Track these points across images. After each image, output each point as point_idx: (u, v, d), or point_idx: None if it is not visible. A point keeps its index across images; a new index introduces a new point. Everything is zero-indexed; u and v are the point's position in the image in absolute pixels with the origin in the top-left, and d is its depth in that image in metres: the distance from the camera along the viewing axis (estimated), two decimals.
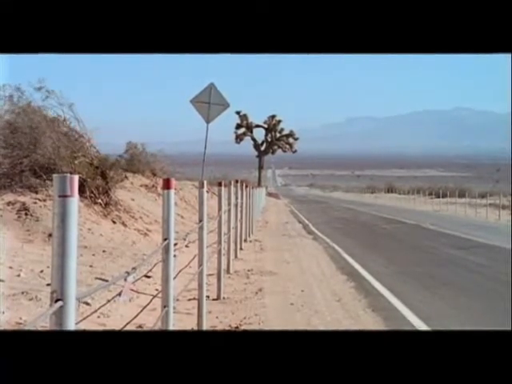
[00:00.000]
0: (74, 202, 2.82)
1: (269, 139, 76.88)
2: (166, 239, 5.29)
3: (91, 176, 15.41)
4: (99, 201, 15.53)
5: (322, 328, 8.26)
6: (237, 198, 16.11)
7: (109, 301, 6.17)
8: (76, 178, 2.84)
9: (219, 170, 72.28)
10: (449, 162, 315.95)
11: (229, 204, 13.45)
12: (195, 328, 7.73)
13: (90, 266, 10.84)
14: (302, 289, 11.26)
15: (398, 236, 23.89)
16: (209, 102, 17.30)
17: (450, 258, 16.59)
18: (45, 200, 13.59)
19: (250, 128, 76.64)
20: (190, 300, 9.48)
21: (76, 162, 15.29)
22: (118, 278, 4.35)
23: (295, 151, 79.64)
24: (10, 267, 9.77)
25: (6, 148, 14.78)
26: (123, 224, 15.74)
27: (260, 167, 78.12)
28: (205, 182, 8.19)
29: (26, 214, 12.92)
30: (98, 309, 6.66)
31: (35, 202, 13.48)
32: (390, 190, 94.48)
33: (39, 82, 16.02)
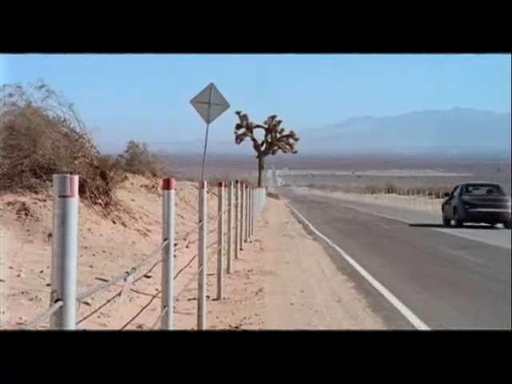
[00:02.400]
0: (74, 202, 2.83)
1: (269, 139, 76.85)
2: (166, 239, 5.30)
3: (91, 176, 15.41)
4: (99, 201, 15.53)
5: (322, 328, 8.26)
6: (237, 199, 16.11)
7: (109, 301, 6.17)
8: (76, 178, 2.84)
9: (219, 170, 72.32)
10: (449, 162, 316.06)
11: (229, 204, 13.44)
12: (195, 328, 7.73)
13: (90, 266, 10.84)
14: (302, 289, 11.25)
15: (398, 236, 23.89)
16: (209, 102, 17.31)
17: (450, 258, 16.59)
18: (45, 200, 13.58)
19: (250, 128, 76.60)
20: (190, 300, 9.48)
21: (76, 162, 15.29)
22: (117, 278, 4.35)
23: (295, 152, 79.61)
24: (10, 267, 9.77)
25: (6, 149, 14.78)
26: (123, 224, 15.74)
27: (260, 167, 78.09)
28: (205, 183, 8.19)
29: (26, 215, 12.91)
30: (98, 309, 6.66)
31: (35, 203, 13.48)
32: (390, 190, 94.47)
33: (39, 81, 16.01)
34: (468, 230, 25.26)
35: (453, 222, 28.28)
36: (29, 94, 16.04)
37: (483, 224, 27.69)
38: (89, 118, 16.84)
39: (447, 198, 30.26)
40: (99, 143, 16.71)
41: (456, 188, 29.67)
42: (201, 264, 7.71)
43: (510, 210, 27.62)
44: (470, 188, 29.49)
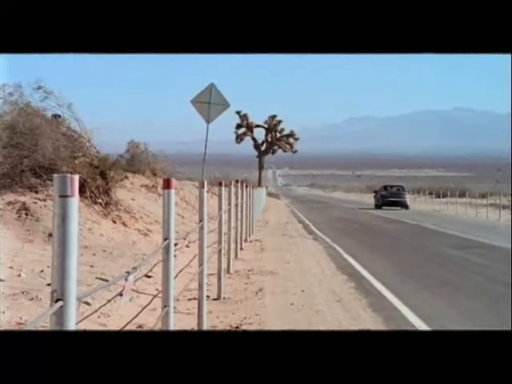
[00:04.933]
0: (75, 201, 2.83)
1: (269, 139, 76.77)
2: (166, 239, 5.30)
3: (91, 176, 15.40)
4: (99, 201, 15.53)
5: (322, 328, 8.26)
6: (237, 198, 16.10)
7: (109, 301, 6.17)
8: (76, 177, 2.85)
9: (220, 169, 72.25)
10: (449, 162, 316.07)
11: (229, 204, 13.44)
12: (195, 328, 7.73)
13: (91, 266, 10.85)
14: (302, 289, 11.25)
15: (398, 236, 23.88)
16: (209, 102, 17.31)
17: (450, 258, 16.59)
18: (45, 200, 13.58)
19: (250, 128, 76.52)
20: (190, 300, 9.48)
21: (76, 161, 15.29)
22: (118, 277, 4.35)
23: (295, 151, 79.53)
24: (11, 267, 9.77)
25: (7, 148, 14.78)
26: (123, 224, 15.73)
27: (260, 167, 78.03)
28: (205, 182, 8.19)
29: (26, 214, 12.91)
30: (99, 309, 6.66)
31: (35, 202, 13.48)
32: None
33: (37, 83, 15.98)
34: (385, 210, 44.88)
35: (376, 207, 49.42)
36: (28, 94, 16.03)
37: (393, 208, 47.83)
38: (89, 118, 16.86)
39: (375, 192, 53.15)
40: (99, 143, 16.71)
41: (380, 187, 52.64)
42: (201, 264, 7.71)
43: (406, 200, 50.20)
44: (387, 187, 51.93)
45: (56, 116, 16.36)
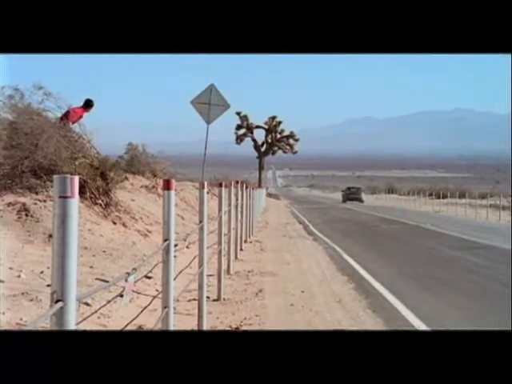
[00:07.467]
0: (75, 202, 2.83)
1: (269, 140, 76.76)
2: (166, 240, 5.29)
3: (91, 177, 15.39)
4: (99, 202, 15.52)
5: (322, 329, 8.25)
6: (237, 199, 16.10)
7: (109, 301, 6.17)
8: (76, 178, 2.85)
9: (220, 170, 72.26)
10: (449, 162, 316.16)
11: (229, 205, 13.44)
12: (195, 329, 7.72)
13: (91, 267, 10.84)
14: (302, 290, 11.25)
15: (398, 237, 23.88)
16: (209, 103, 17.31)
17: (450, 259, 16.59)
18: (45, 201, 13.57)
19: (250, 129, 76.52)
20: (190, 301, 9.48)
21: (76, 162, 15.28)
22: (118, 278, 4.35)
23: (296, 152, 79.54)
24: (11, 268, 9.76)
25: (7, 149, 14.76)
26: (123, 225, 15.72)
27: (260, 168, 78.02)
28: (205, 183, 8.19)
29: (26, 215, 12.90)
30: (99, 309, 6.66)
31: (35, 203, 13.47)
32: (390, 190, 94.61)
33: (36, 84, 15.94)
34: (349, 204, 62.69)
35: (342, 201, 69.22)
36: (28, 95, 16.00)
37: (353, 202, 66.78)
38: (88, 119, 16.84)
39: (343, 191, 76.15)
40: (99, 145, 16.68)
41: (345, 188, 76.17)
42: (201, 265, 7.71)
43: (361, 197, 71.25)
44: (350, 188, 75.28)
45: (89, 102, 16.45)
